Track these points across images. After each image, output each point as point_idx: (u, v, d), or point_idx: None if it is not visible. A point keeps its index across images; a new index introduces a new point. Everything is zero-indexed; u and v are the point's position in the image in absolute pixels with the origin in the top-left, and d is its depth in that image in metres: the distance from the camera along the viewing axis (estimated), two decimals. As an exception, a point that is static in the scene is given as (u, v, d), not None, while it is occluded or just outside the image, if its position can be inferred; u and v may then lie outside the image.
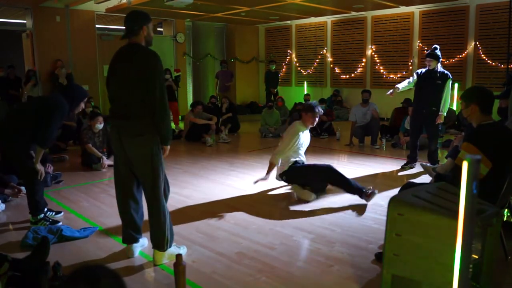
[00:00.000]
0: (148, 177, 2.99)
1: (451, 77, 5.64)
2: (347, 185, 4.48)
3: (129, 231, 3.19)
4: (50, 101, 3.88)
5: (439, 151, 6.17)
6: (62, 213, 4.22)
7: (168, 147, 3.09)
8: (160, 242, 3.03)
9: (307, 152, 7.58)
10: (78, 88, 4.08)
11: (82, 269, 1.20)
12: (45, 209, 4.04)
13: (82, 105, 4.03)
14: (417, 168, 6.01)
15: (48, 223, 3.89)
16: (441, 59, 5.68)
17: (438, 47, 5.72)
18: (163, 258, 3.07)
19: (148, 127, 2.92)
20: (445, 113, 5.71)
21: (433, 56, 5.59)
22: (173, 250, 3.10)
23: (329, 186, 4.82)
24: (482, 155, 2.66)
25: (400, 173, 5.87)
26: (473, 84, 9.57)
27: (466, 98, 2.97)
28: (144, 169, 2.98)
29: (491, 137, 2.81)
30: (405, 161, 6.27)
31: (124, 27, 3.03)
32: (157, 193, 3.00)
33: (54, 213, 4.15)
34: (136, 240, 3.22)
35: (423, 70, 5.80)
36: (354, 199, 4.57)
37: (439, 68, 5.65)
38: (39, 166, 3.86)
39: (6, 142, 3.87)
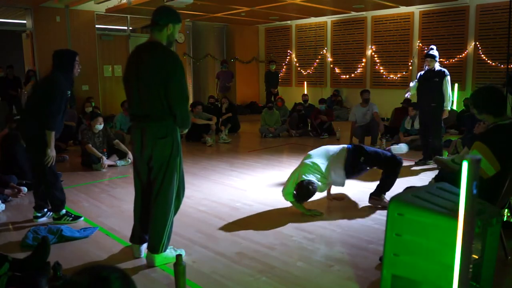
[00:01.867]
0: (159, 180, 2.94)
1: (447, 73, 5.93)
2: (387, 182, 4.32)
3: (138, 231, 3.15)
4: (46, 82, 3.83)
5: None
6: (82, 218, 4.10)
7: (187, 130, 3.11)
8: (155, 245, 2.99)
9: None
10: (62, 51, 3.92)
11: (92, 266, 1.19)
12: (64, 211, 4.04)
13: (77, 66, 3.88)
14: (423, 167, 6.08)
15: (71, 218, 3.96)
16: (437, 58, 5.98)
17: (434, 47, 6.06)
18: (158, 261, 3.02)
19: (169, 128, 2.88)
20: (449, 108, 5.96)
21: (432, 56, 5.92)
22: (169, 254, 3.07)
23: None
24: (493, 157, 2.66)
25: (400, 173, 5.86)
26: (473, 85, 9.58)
27: (476, 105, 2.95)
28: (158, 171, 2.93)
29: (505, 139, 2.78)
30: (404, 161, 6.28)
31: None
32: (165, 197, 2.95)
33: (71, 218, 4.16)
34: (143, 242, 3.17)
35: (422, 72, 6.17)
36: (354, 199, 4.57)
37: (437, 67, 5.98)
38: (51, 152, 3.77)
39: (26, 131, 3.87)
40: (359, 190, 4.97)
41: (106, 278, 1.13)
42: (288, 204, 4.45)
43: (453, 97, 9.32)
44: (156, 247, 3.00)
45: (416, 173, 5.83)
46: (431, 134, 6.13)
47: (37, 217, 4.05)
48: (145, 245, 3.17)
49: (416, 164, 6.25)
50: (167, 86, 2.78)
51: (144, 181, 3.05)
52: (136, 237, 3.18)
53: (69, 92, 3.86)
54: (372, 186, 4.69)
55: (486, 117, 2.94)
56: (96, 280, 1.13)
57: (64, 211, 4.00)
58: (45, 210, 4.10)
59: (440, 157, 5.66)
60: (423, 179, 5.41)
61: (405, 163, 6.32)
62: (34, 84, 4.35)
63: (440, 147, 6.09)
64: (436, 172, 5.60)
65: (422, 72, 6.13)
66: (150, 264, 3.04)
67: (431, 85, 5.92)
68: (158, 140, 2.87)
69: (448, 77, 5.89)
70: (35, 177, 4.02)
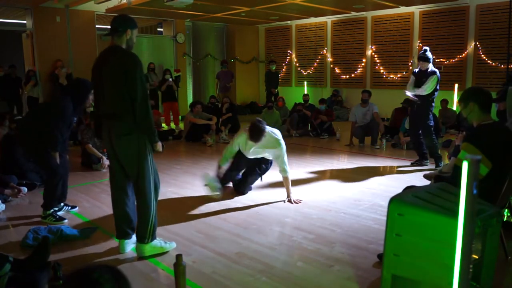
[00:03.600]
0: (135, 174, 3.12)
1: (438, 75, 5.79)
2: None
3: (121, 226, 3.27)
4: (56, 106, 4.02)
5: (439, 151, 6.16)
6: (66, 220, 4.09)
7: (159, 143, 3.18)
8: (142, 235, 3.16)
9: (307, 152, 7.57)
10: (81, 82, 4.11)
11: (83, 268, 1.19)
12: (61, 204, 4.21)
13: (91, 97, 4.06)
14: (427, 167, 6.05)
15: (54, 219, 3.99)
16: (431, 60, 5.87)
17: (428, 48, 5.98)
18: (146, 251, 3.17)
19: (134, 126, 3.03)
20: (413, 91, 5.83)
21: (424, 59, 5.85)
22: (157, 243, 3.22)
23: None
24: (482, 155, 2.66)
25: (400, 174, 5.87)
26: (473, 85, 9.59)
27: (463, 98, 2.99)
28: (131, 166, 3.12)
29: (491, 138, 2.81)
30: (404, 161, 6.28)
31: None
32: (144, 189, 3.12)
33: (70, 208, 4.33)
34: (128, 236, 3.29)
35: (415, 70, 6.06)
36: (355, 200, 4.58)
37: (430, 68, 5.87)
38: (58, 159, 4.05)
39: (26, 145, 4.15)
40: (359, 190, 4.97)
41: (96, 280, 1.14)
42: (288, 204, 4.45)
43: (451, 103, 9.36)
44: (143, 236, 3.15)
45: (416, 173, 5.83)
46: (422, 135, 6.03)
47: (55, 211, 4.18)
48: (128, 240, 3.30)
49: (412, 165, 6.18)
50: (127, 86, 2.97)
51: (118, 177, 3.22)
52: (119, 233, 3.31)
53: (75, 118, 4.14)
54: (372, 187, 4.69)
55: (471, 108, 2.90)
56: (86, 284, 1.13)
57: (51, 210, 4.06)
58: (61, 204, 4.26)
59: (428, 172, 5.66)
60: (423, 179, 5.41)
61: (402, 163, 6.33)
62: (45, 102, 4.58)
63: (433, 146, 5.95)
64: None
65: (416, 70, 6.01)
66: (140, 255, 3.18)
67: (419, 85, 5.84)
68: (123, 137, 3.06)
69: (434, 76, 5.71)
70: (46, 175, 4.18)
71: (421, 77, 5.85)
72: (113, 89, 3.01)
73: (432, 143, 5.96)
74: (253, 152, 4.68)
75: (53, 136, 3.93)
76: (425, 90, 5.77)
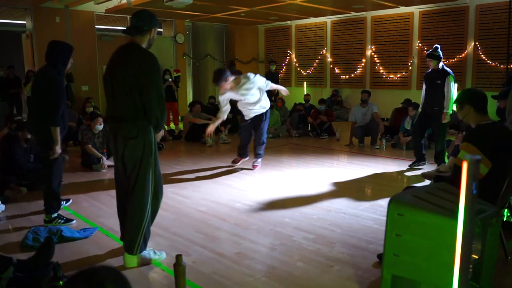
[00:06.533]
0: (133, 178, 2.97)
1: (451, 74, 5.65)
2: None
3: (121, 228, 3.24)
4: (40, 81, 3.81)
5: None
6: (74, 221, 4.04)
7: (161, 132, 3.17)
8: (130, 245, 3.00)
9: (307, 152, 7.58)
10: (59, 46, 3.87)
11: (87, 269, 1.19)
12: (56, 214, 3.99)
13: (71, 60, 3.91)
14: (425, 168, 6.02)
15: (63, 221, 3.93)
16: (442, 59, 5.73)
17: (439, 46, 5.79)
18: (133, 262, 3.02)
19: (141, 129, 2.91)
20: (450, 111, 5.64)
21: (432, 56, 5.70)
22: (146, 255, 3.07)
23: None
24: (481, 155, 2.66)
25: (399, 174, 5.87)
26: (473, 85, 9.61)
27: (458, 101, 3.01)
28: (132, 171, 2.97)
29: (491, 137, 2.82)
30: (404, 161, 6.28)
31: (124, 28, 3.01)
32: (140, 196, 2.97)
33: (64, 202, 4.30)
34: None
35: (428, 71, 5.92)
36: (355, 200, 4.58)
37: (440, 67, 5.71)
38: (58, 149, 3.78)
39: (33, 129, 4.02)
40: (359, 190, 4.97)
41: (103, 281, 1.13)
42: (288, 204, 4.45)
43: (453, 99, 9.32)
44: (131, 247, 3.00)
45: (416, 173, 5.82)
46: (434, 138, 5.86)
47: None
48: None
49: (410, 167, 6.09)
50: (143, 87, 2.83)
51: (123, 179, 3.11)
52: (122, 234, 3.26)
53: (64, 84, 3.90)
54: (372, 187, 4.68)
55: (466, 111, 2.91)
56: (92, 284, 1.13)
57: (56, 214, 3.98)
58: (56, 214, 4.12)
59: (426, 171, 5.64)
60: (423, 179, 5.41)
61: (402, 163, 6.33)
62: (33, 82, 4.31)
63: (442, 151, 5.83)
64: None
65: (427, 72, 5.88)
66: (126, 265, 3.02)
67: (433, 87, 5.66)
68: (129, 141, 2.92)
69: (451, 77, 5.57)
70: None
71: (435, 78, 5.66)
72: (124, 89, 2.85)
73: (443, 148, 5.83)
74: (242, 94, 5.73)
75: (49, 109, 3.69)
76: (453, 94, 5.57)
